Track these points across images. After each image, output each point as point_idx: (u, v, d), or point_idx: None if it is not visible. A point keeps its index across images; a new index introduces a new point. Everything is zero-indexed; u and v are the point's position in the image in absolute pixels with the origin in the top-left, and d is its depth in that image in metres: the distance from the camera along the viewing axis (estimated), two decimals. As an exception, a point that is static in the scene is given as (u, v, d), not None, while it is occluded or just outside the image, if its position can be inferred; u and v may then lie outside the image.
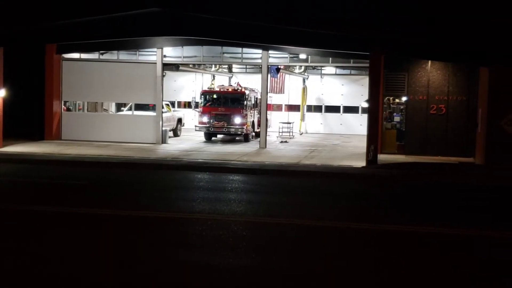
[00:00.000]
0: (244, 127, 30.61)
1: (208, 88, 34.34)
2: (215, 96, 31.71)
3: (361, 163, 22.17)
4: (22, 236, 10.55)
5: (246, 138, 31.29)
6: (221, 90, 32.22)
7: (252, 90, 32.59)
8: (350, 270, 8.99)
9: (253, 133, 32.39)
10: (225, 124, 30.41)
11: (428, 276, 8.74)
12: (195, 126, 32.08)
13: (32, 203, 13.60)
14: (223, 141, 31.53)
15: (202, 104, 31.39)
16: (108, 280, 8.16)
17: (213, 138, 31.99)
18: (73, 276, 8.32)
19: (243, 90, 31.47)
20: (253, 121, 32.16)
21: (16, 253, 9.39)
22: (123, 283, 8.06)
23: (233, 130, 30.67)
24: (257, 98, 32.59)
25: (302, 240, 10.81)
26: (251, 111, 31.80)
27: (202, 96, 31.79)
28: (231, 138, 32.47)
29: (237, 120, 30.42)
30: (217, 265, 8.87)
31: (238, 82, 34.66)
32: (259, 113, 32.31)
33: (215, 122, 30.58)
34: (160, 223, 11.77)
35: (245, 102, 30.81)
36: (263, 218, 12.39)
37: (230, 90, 32.06)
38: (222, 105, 30.99)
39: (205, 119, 30.88)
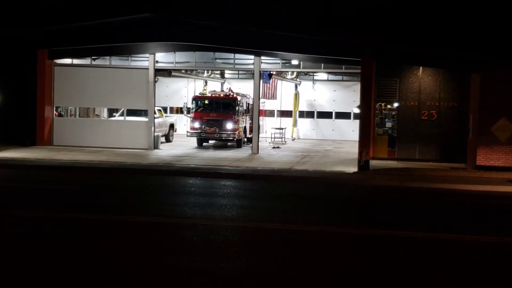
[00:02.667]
0: (236, 132, 30.36)
1: (200, 93, 34.02)
2: (206, 101, 31.46)
3: (353, 168, 22.23)
4: (9, 240, 10.51)
5: (238, 144, 31.07)
6: (213, 95, 31.95)
7: (244, 96, 32.50)
8: (338, 273, 9.00)
9: (245, 139, 32.24)
10: (217, 130, 30.21)
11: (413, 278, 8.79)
12: (187, 131, 31.91)
13: (23, 207, 13.53)
14: (215, 147, 31.42)
15: (194, 110, 31.20)
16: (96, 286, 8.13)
17: (204, 144, 31.83)
18: (62, 281, 8.29)
19: (235, 95, 31.30)
20: (245, 127, 31.96)
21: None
22: (113, 288, 8.04)
23: (225, 135, 30.43)
24: (249, 103, 32.52)
25: (294, 244, 10.80)
26: (243, 116, 31.64)
27: (194, 102, 31.57)
28: (223, 144, 32.28)
29: (229, 125, 30.16)
30: (208, 270, 8.85)
31: (230, 88, 34.61)
32: (251, 118, 32.23)
33: (207, 127, 30.36)
34: (151, 228, 11.72)
35: (237, 107, 30.61)
36: (255, 223, 12.39)
37: (222, 95, 31.82)
38: (214, 110, 30.77)
39: (196, 124, 30.66)
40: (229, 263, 9.32)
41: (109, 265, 9.06)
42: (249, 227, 12.07)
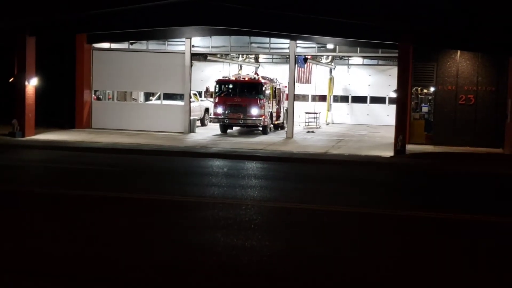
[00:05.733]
0: (262, 118, 28.35)
1: (223, 77, 31.14)
2: (230, 85, 29.42)
3: (389, 153, 22.20)
4: (59, 217, 10.88)
5: (264, 131, 29.34)
6: (237, 79, 29.73)
7: (270, 80, 30.95)
8: (375, 253, 9.15)
9: (272, 125, 30.63)
10: (241, 116, 28.31)
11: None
12: (210, 117, 30.18)
13: (72, 188, 13.93)
14: (240, 134, 30.14)
15: (217, 94, 29.29)
16: (143, 263, 8.42)
17: (228, 131, 30.11)
18: (103, 254, 8.61)
19: (260, 79, 29.50)
20: (271, 113, 30.12)
21: (53, 232, 9.75)
22: (159, 266, 8.29)
23: (250, 122, 28.58)
24: (275, 88, 31.16)
25: (335, 225, 10.99)
26: (269, 101, 29.78)
27: (217, 86, 29.41)
28: (248, 130, 30.71)
29: (254, 111, 28.22)
30: (254, 248, 9.07)
31: (255, 71, 34.03)
32: (278, 104, 31.31)
33: (231, 113, 28.46)
34: (196, 208, 11.99)
35: (262, 92, 28.70)
36: (295, 204, 12.58)
37: (246, 79, 29.58)
38: (238, 95, 28.82)
39: (219, 110, 28.77)
40: (275, 242, 9.54)
41: (158, 243, 9.36)
42: (291, 208, 12.24)
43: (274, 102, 30.80)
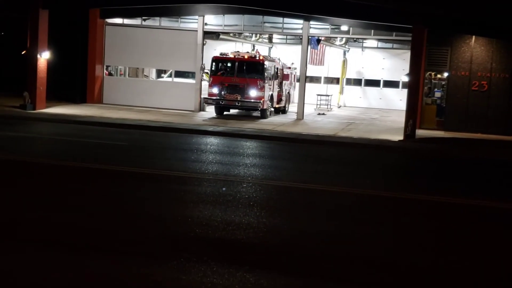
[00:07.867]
0: (261, 101, 25.99)
1: (220, 54, 27.80)
2: (228, 64, 26.81)
3: (398, 137, 22.07)
4: (64, 187, 10.96)
5: (262, 114, 26.97)
6: (236, 57, 26.92)
7: (272, 60, 28.99)
8: (371, 233, 9.13)
9: (272, 109, 28.29)
10: (239, 97, 25.95)
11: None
12: (204, 98, 27.62)
13: (80, 161, 14.01)
14: (242, 116, 28.05)
15: (213, 73, 26.83)
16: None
17: (225, 113, 27.90)
18: (105, 228, 8.67)
19: (261, 58, 26.98)
20: (271, 95, 27.74)
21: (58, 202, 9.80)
22: (161, 237, 8.32)
23: (248, 104, 26.21)
24: (278, 68, 29.08)
25: (334, 205, 10.97)
26: (270, 83, 27.40)
27: (214, 63, 26.88)
28: (247, 113, 28.63)
29: (253, 92, 25.86)
30: (251, 224, 9.07)
31: (257, 50, 33.21)
32: (280, 86, 29.62)
33: (227, 94, 26.10)
34: (198, 184, 12.02)
35: (263, 72, 26.19)
36: (298, 184, 12.57)
37: (246, 57, 26.91)
38: (236, 74, 26.26)
39: (215, 90, 26.27)
40: (272, 219, 9.55)
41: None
42: (292, 187, 12.24)
43: (275, 83, 28.66)
